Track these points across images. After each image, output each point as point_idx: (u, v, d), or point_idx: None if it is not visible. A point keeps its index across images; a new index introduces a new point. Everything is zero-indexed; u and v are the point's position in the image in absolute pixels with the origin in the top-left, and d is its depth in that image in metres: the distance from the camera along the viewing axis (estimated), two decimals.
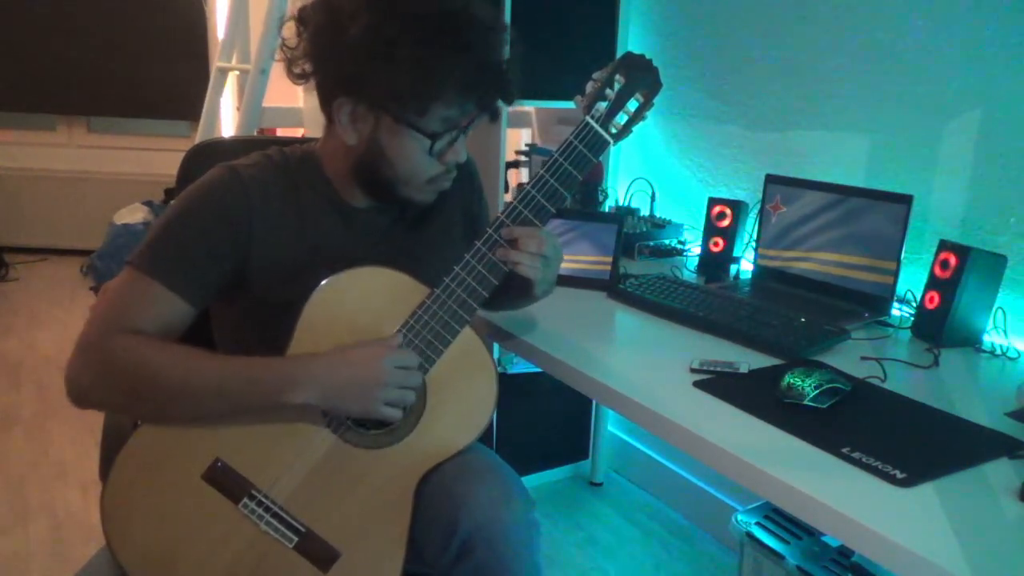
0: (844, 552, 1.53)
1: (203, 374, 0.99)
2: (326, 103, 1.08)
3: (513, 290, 1.14)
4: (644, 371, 1.24)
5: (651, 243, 2.03)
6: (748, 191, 2.04)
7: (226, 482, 1.01)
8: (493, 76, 1.04)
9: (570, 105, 1.11)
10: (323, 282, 1.04)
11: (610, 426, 2.52)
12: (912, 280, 1.62)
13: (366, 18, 0.99)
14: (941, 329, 1.42)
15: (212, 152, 1.28)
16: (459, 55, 1.00)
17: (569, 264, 1.66)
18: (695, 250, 2.01)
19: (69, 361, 1.01)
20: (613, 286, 1.63)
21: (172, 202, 1.09)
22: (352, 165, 1.11)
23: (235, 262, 1.07)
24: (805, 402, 1.09)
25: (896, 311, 1.58)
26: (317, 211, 1.13)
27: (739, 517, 1.67)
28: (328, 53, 1.04)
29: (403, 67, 0.99)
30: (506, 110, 2.02)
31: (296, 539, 1.02)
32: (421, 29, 0.99)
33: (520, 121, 2.66)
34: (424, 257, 1.18)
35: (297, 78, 1.09)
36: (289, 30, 1.10)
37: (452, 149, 1.08)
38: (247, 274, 1.09)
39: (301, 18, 1.07)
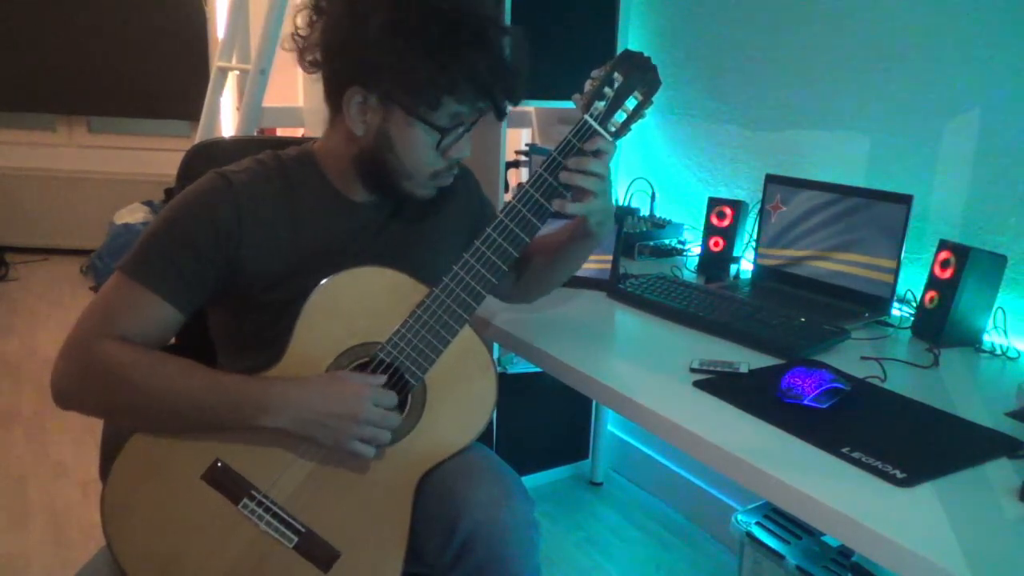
0: (844, 552, 1.53)
1: (181, 390, 0.99)
2: (335, 93, 1.08)
3: (570, 239, 1.19)
4: (644, 371, 1.24)
5: (651, 243, 2.03)
6: (748, 191, 2.04)
7: (226, 482, 1.01)
8: (506, 75, 1.06)
9: (570, 105, 1.11)
10: (323, 281, 1.05)
11: (610, 426, 2.52)
12: (912, 280, 1.62)
13: (389, 10, 1.00)
14: (941, 329, 1.42)
15: (212, 152, 1.27)
16: (477, 52, 1.02)
17: None
18: (695, 250, 2.01)
19: (55, 362, 1.01)
20: (613, 286, 1.63)
21: (162, 208, 1.09)
22: (356, 157, 1.11)
23: (224, 268, 1.07)
24: (805, 402, 1.08)
25: (896, 311, 1.58)
26: (314, 209, 1.13)
27: (739, 517, 1.67)
28: (345, 42, 1.04)
29: (422, 60, 1.00)
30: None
31: (296, 539, 1.02)
32: (443, 24, 1.00)
33: (520, 121, 2.66)
34: (422, 249, 1.19)
35: (310, 66, 1.10)
36: (302, 19, 1.10)
37: (457, 145, 1.10)
38: (241, 278, 1.08)
39: (317, 7, 1.08)
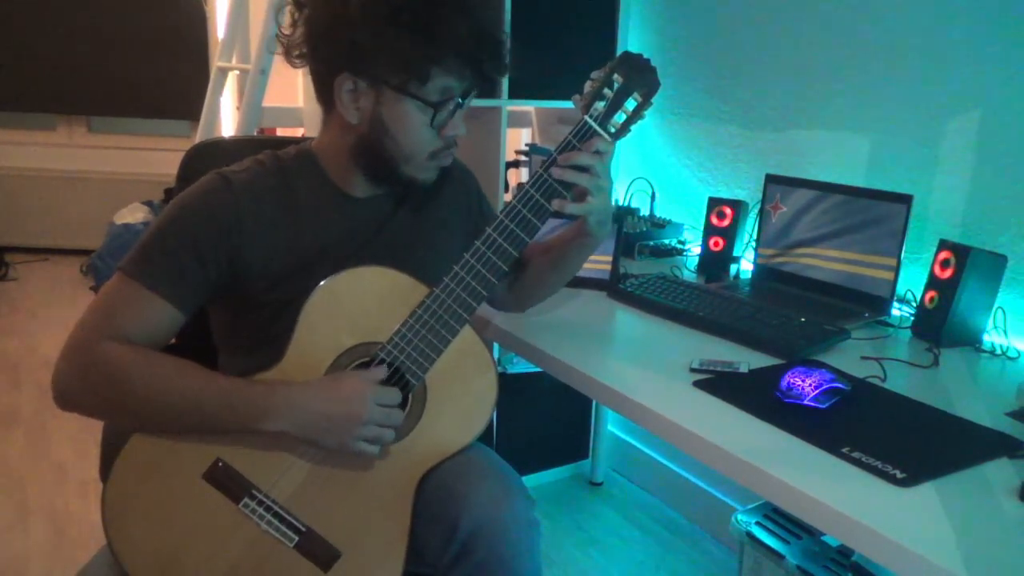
0: (844, 552, 1.53)
1: (183, 393, 0.99)
2: (325, 85, 1.09)
3: (569, 239, 1.18)
4: (644, 371, 1.24)
5: (651, 243, 2.03)
6: (748, 191, 2.04)
7: (227, 482, 1.01)
8: (490, 42, 1.07)
9: (570, 105, 1.11)
10: (322, 282, 1.05)
11: (610, 426, 2.52)
12: (912, 280, 1.62)
13: None
14: (941, 329, 1.42)
15: (212, 152, 1.27)
16: (461, 19, 1.03)
17: None
18: (695, 250, 2.01)
19: (56, 363, 1.01)
20: (613, 286, 1.63)
21: (163, 208, 1.09)
22: (353, 147, 1.11)
23: (225, 268, 1.07)
24: (805, 402, 1.09)
25: (896, 311, 1.58)
26: (315, 208, 1.13)
27: (739, 517, 1.67)
28: (329, 30, 1.05)
29: (406, 32, 1.01)
30: (505, 110, 2.02)
31: (297, 539, 1.02)
32: None
33: (520, 121, 2.66)
34: (422, 249, 1.19)
35: (296, 59, 1.11)
36: (284, 17, 1.11)
37: (451, 122, 1.10)
38: (241, 278, 1.09)
39: (297, 2, 1.09)
